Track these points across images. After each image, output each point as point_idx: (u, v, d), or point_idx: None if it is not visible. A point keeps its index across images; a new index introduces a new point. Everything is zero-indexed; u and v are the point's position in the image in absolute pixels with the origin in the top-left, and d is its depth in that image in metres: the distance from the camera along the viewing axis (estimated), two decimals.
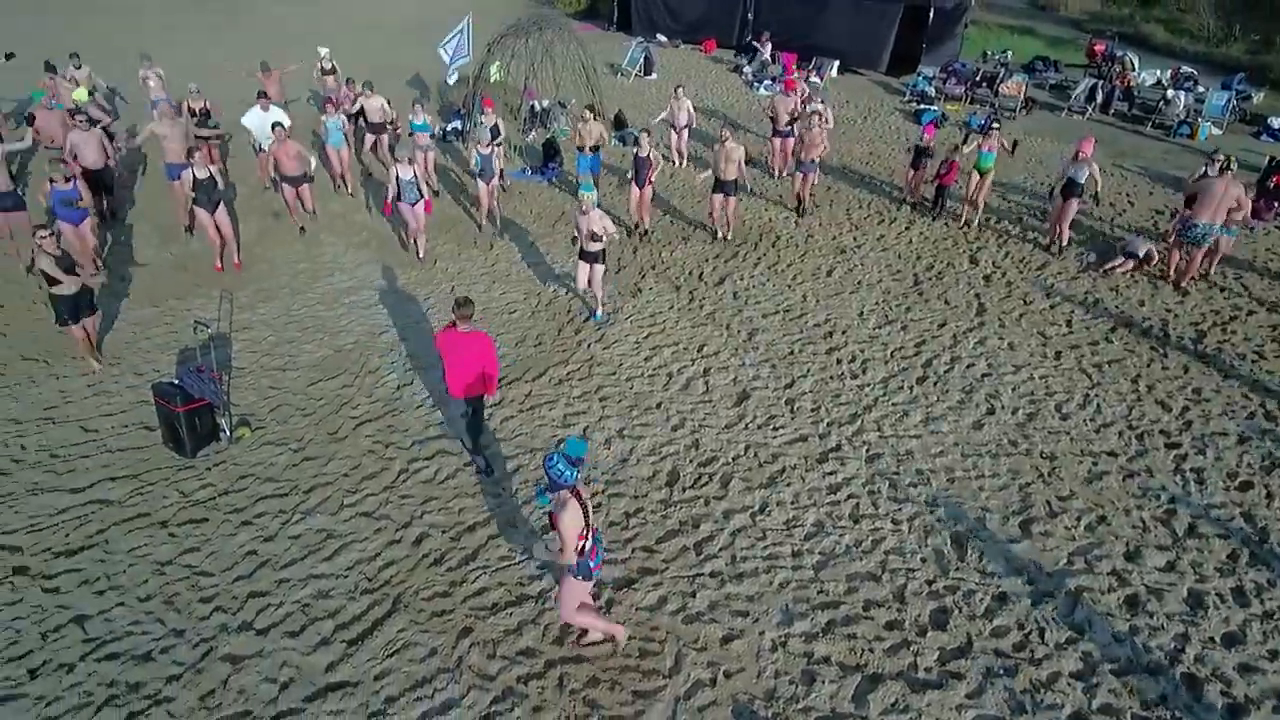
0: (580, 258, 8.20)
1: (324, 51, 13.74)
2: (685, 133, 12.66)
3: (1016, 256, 10.23)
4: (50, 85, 12.28)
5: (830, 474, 6.34)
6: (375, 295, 9.12)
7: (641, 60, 19.05)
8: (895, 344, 8.18)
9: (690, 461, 6.48)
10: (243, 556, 5.46)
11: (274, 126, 9.92)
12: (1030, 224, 11.19)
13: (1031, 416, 7.06)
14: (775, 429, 6.88)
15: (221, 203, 9.17)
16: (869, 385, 7.49)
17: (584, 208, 7.96)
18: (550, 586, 5.24)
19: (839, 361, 7.87)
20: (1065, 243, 10.24)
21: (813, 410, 7.13)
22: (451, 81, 14.97)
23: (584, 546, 4.30)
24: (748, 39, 20.91)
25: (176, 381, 6.42)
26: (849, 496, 6.10)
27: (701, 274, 9.65)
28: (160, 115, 10.33)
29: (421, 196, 9.46)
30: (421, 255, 9.94)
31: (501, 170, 10.79)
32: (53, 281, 6.94)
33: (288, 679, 4.61)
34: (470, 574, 5.37)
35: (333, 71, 13.45)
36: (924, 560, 5.49)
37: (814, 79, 15.89)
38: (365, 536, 5.66)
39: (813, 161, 10.78)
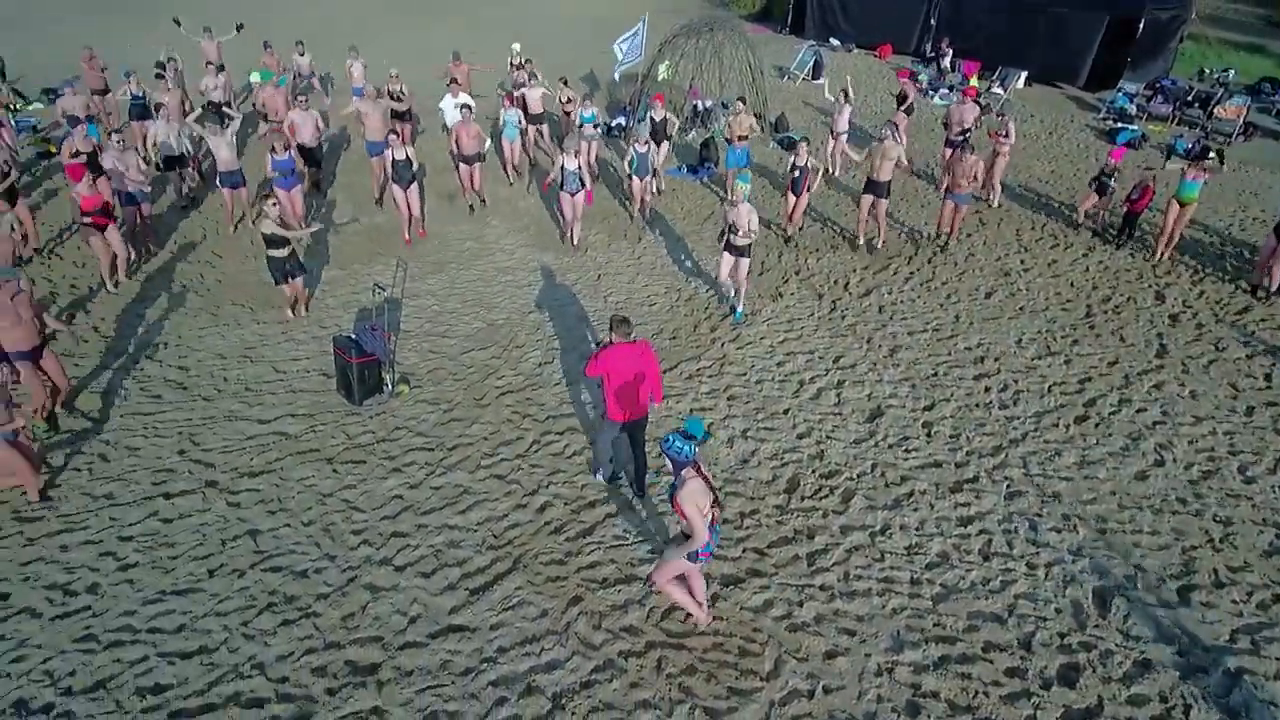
0: (725, 249, 8.26)
1: (516, 47, 14.59)
2: (843, 139, 12.32)
3: (1212, 297, 9.13)
4: (272, 62, 14.00)
5: (963, 505, 6.02)
6: (528, 276, 9.68)
7: (811, 64, 18.72)
8: (1055, 378, 7.59)
9: (812, 472, 6.38)
10: (390, 499, 6.04)
11: (461, 108, 10.76)
12: (1234, 262, 9.94)
13: (1208, 475, 6.31)
14: (908, 451, 6.62)
15: (415, 180, 10.09)
16: (1019, 418, 7.00)
17: (735, 199, 8.03)
18: None
19: (988, 389, 7.42)
20: (1275, 287, 9.00)
21: (951, 437, 6.78)
22: (617, 78, 15.47)
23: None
24: (927, 44, 19.97)
25: (353, 337, 7.18)
26: (981, 531, 5.76)
27: (847, 284, 9.41)
28: (364, 97, 11.51)
29: (583, 187, 9.89)
30: (575, 243, 10.40)
31: (656, 170, 11.07)
32: (270, 244, 7.94)
33: (416, 614, 5.06)
34: (585, 547, 5.62)
35: (523, 65, 14.21)
36: (1059, 611, 5.09)
37: (996, 89, 14.93)
38: (495, 497, 6.07)
39: (965, 192, 9.72)
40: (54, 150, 12.26)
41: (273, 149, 9.70)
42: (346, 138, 13.81)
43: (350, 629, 4.95)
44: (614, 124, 14.73)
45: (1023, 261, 9.95)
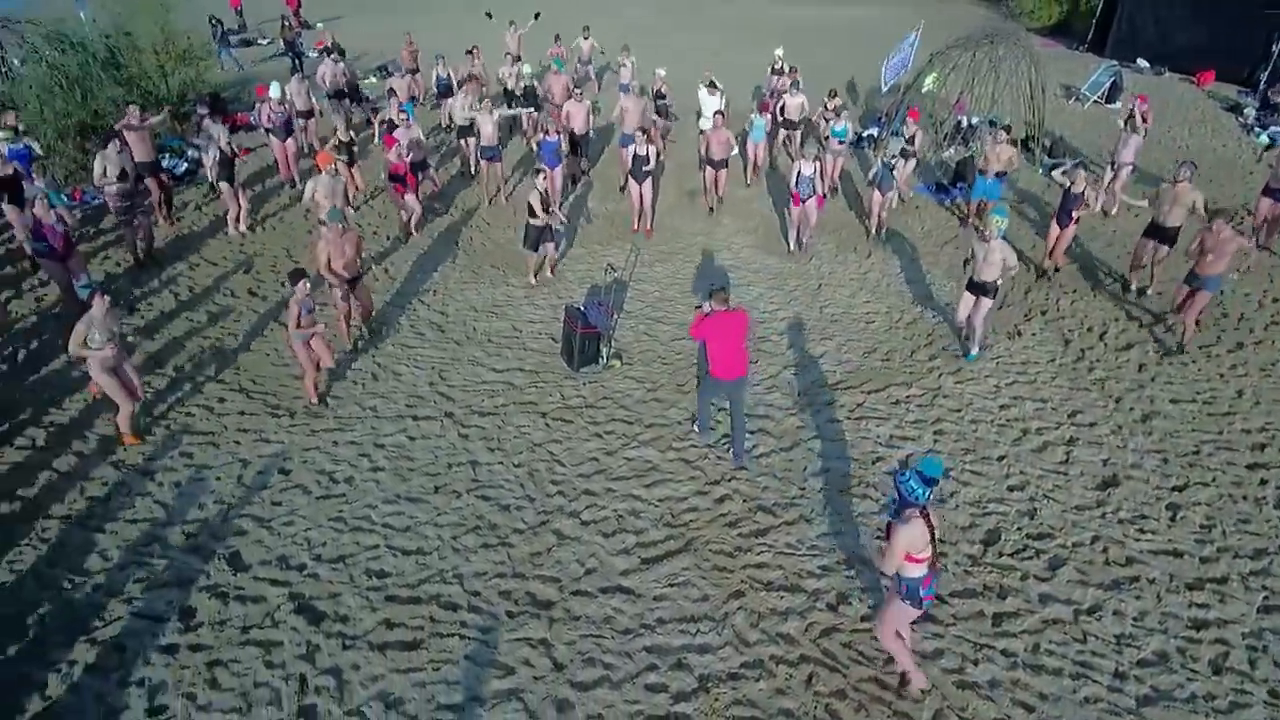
0: (968, 288, 7.70)
1: (778, 51, 14.75)
2: (1126, 171, 10.84)
3: None
4: (561, 53, 15.48)
5: (1200, 606, 5.17)
6: (749, 276, 9.83)
7: (1107, 85, 16.65)
8: None
9: (1018, 529, 5.85)
10: (588, 459, 6.58)
11: (715, 114, 11.15)
12: None
13: None
14: (1143, 531, 5.80)
15: (650, 177, 10.70)
16: None
17: (987, 233, 7.44)
18: (827, 590, 5.31)
19: (1263, 483, 6.24)
20: None
21: (1202, 527, 5.82)
22: (884, 90, 14.98)
23: (922, 573, 4.15)
24: (1263, 75, 16.81)
25: (582, 309, 7.86)
26: (1218, 640, 4.92)
27: (1104, 333, 8.36)
28: (629, 93, 12.38)
29: (815, 193, 9.81)
30: (800, 249, 10.36)
31: (897, 188, 10.62)
32: (532, 213, 8.91)
33: (592, 568, 5.50)
34: (757, 546, 5.69)
35: (783, 71, 14.34)
36: None
37: None
38: (680, 479, 6.35)
39: (1216, 276, 7.57)
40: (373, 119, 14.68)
41: (544, 130, 10.82)
42: (610, 129, 14.92)
43: (535, 565, 5.52)
44: (865, 134, 14.32)
45: None
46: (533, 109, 13.68)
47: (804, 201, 9.82)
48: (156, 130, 10.70)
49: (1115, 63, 18.06)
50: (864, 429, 6.97)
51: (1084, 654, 4.85)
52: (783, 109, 12.78)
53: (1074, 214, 8.88)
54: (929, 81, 13.64)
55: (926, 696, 4.59)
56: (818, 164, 9.83)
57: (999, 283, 7.49)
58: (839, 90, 13.49)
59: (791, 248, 10.46)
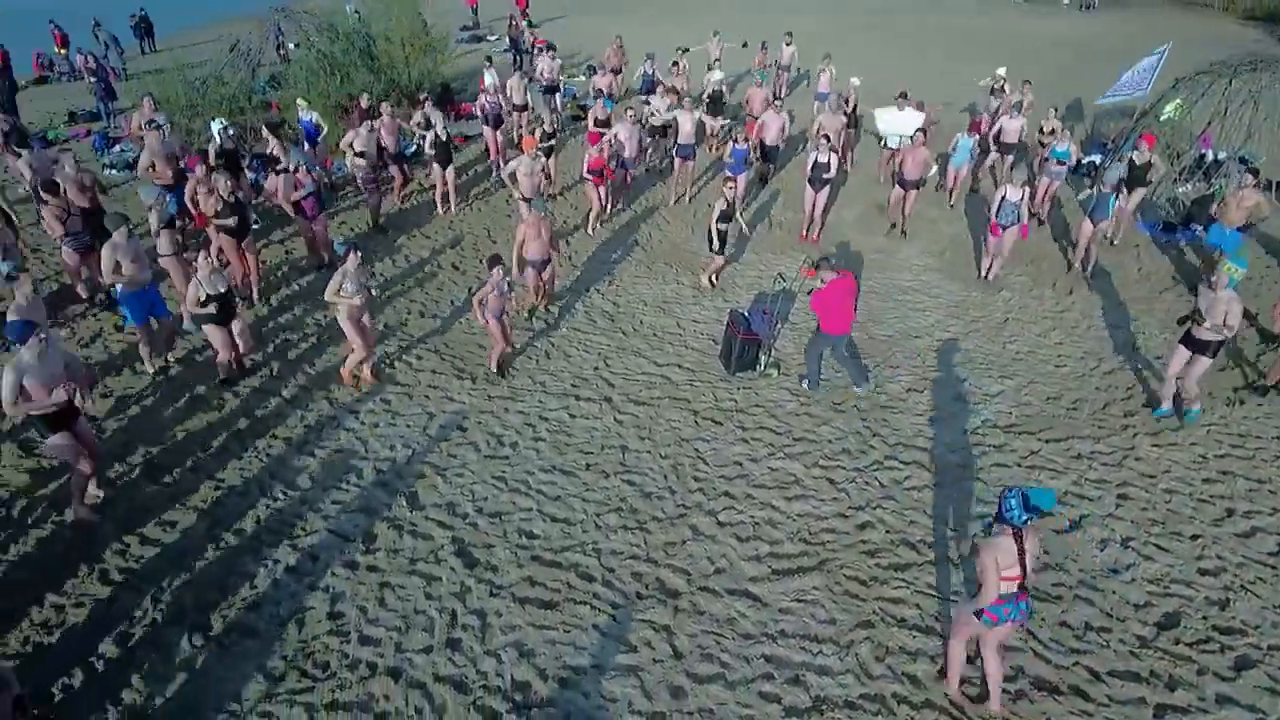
0: (1183, 340, 6.88)
1: (1000, 71, 13.83)
2: None
3: None
4: (764, 62, 15.65)
5: None
6: (927, 301, 9.40)
7: None
8: None
9: (1203, 617, 5.20)
10: (732, 463, 6.70)
11: (916, 131, 10.71)
12: None
13: None
14: None
15: (827, 186, 10.50)
16: None
17: (1216, 283, 6.61)
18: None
19: None
20: None
21: None
22: (1103, 103, 13.55)
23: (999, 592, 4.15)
24: None
25: (746, 314, 7.96)
26: None
27: None
28: (827, 107, 12.24)
29: (1019, 220, 9.17)
30: (990, 277, 9.73)
31: (1115, 220, 9.63)
32: (720, 219, 9.11)
33: (721, 568, 5.63)
34: (894, 580, 5.53)
35: (1002, 92, 13.44)
36: None
37: None
38: (823, 498, 6.29)
39: None
40: (583, 115, 15.62)
41: (735, 138, 11.00)
42: (802, 139, 14.80)
43: (669, 554, 5.74)
44: (1085, 160, 13.06)
45: None
46: (723, 119, 13.93)
47: (1004, 230, 9.20)
48: (400, 125, 12.14)
49: None
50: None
51: None
52: (999, 132, 11.96)
53: None
54: (1170, 109, 12.17)
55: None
56: (1025, 190, 9.18)
57: (1222, 341, 6.63)
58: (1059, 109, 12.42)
59: (982, 275, 9.86)
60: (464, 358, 8.12)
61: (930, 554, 5.76)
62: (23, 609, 5.12)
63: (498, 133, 12.81)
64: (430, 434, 6.98)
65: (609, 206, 11.46)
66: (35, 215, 10.04)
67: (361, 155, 10.45)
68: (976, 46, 22.66)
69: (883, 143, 12.52)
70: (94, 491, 6.01)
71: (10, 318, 5.99)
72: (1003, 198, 9.13)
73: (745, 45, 16.83)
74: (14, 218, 9.19)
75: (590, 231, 11.17)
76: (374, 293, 7.88)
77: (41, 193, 8.69)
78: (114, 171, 12.56)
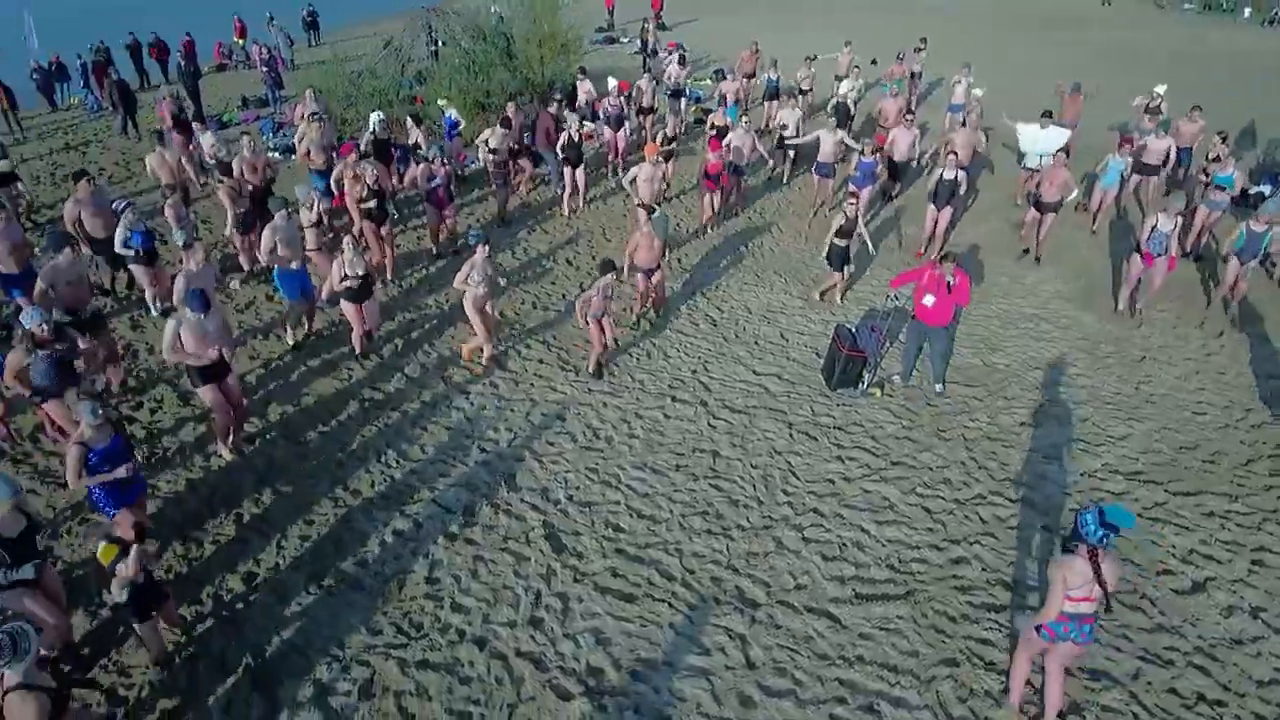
0: None
1: (1160, 89, 12.80)
2: None
3: None
4: (900, 71, 15.23)
5: None
6: (1052, 331, 8.86)
7: None
8: None
9: None
10: (824, 480, 6.61)
11: (1057, 151, 10.07)
12: None
13: None
14: None
15: (951, 204, 10.06)
16: None
17: None
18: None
19: None
20: None
21: None
22: None
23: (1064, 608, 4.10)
24: None
25: (853, 330, 7.80)
26: None
27: None
28: (957, 119, 11.74)
29: (1167, 252, 8.47)
30: (1129, 312, 9.03)
31: (1271, 257, 8.70)
32: (839, 234, 8.95)
33: (803, 584, 5.59)
34: (985, 619, 5.30)
35: (1157, 111, 12.42)
36: None
37: None
38: (916, 527, 6.10)
39: None
40: (704, 120, 15.71)
41: (862, 150, 10.77)
42: (936, 153, 14.25)
43: (749, 564, 5.76)
44: (1253, 190, 11.84)
45: None
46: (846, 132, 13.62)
47: (1154, 259, 8.53)
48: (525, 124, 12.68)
49: None
50: (1156, 533, 6.01)
51: None
52: (1143, 149, 11.10)
53: None
54: None
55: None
56: (1179, 220, 8.47)
57: None
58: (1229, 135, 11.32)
59: (1120, 307, 9.17)
60: (570, 351, 8.42)
61: (1029, 599, 5.47)
62: (167, 541, 5.81)
63: (619, 134, 13.11)
64: (532, 421, 7.30)
65: (723, 212, 11.49)
66: (209, 190, 11.27)
67: (494, 151, 11.01)
68: (1136, 60, 20.93)
69: (1021, 160, 11.85)
70: (223, 450, 6.68)
71: (178, 283, 6.84)
72: (1154, 227, 8.45)
73: (875, 62, 16.47)
74: (191, 189, 10.37)
75: (701, 235, 11.24)
76: (501, 283, 8.30)
77: (217, 172, 9.77)
78: (277, 154, 13.83)
